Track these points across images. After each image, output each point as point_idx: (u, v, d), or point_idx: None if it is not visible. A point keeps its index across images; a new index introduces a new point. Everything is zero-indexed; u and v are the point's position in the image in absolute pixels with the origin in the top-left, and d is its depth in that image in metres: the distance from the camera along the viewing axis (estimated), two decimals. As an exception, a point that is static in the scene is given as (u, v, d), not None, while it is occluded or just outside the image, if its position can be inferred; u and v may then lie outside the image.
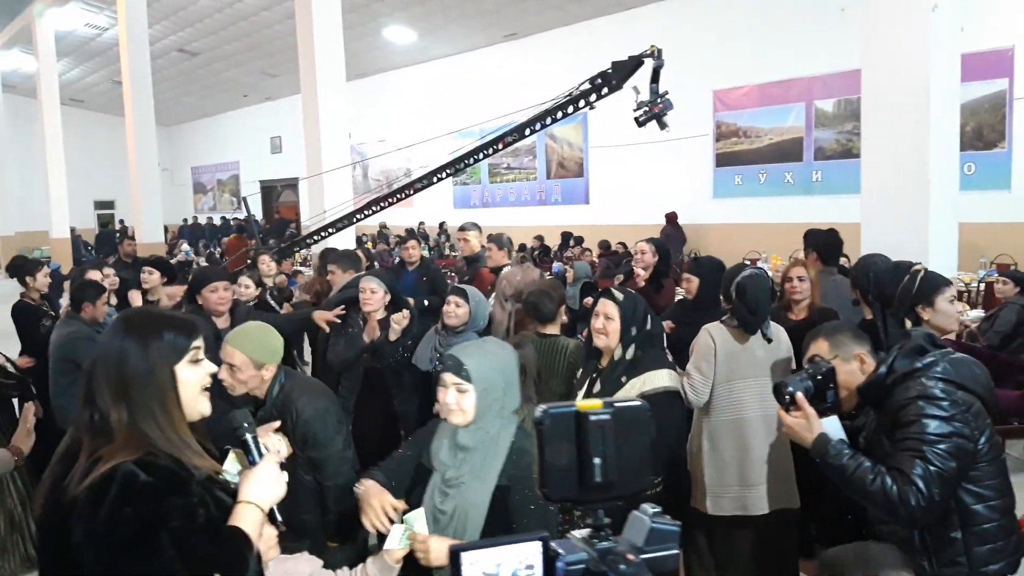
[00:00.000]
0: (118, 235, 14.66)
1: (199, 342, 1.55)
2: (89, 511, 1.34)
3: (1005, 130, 10.26)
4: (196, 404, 1.54)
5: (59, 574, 1.43)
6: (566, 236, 14.82)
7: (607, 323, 2.79)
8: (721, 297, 3.43)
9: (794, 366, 3.16)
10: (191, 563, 1.38)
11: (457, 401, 2.06)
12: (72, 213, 19.26)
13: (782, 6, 12.36)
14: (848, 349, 2.36)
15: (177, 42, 18.25)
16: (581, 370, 2.96)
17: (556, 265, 11.09)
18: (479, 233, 5.95)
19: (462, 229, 5.92)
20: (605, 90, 5.06)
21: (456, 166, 5.88)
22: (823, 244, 4.86)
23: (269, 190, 24.22)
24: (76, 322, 4.19)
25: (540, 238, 14.84)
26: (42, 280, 5.18)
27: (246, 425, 1.65)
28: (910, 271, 3.00)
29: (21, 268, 5.31)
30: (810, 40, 11.98)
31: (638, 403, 0.86)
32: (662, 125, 4.98)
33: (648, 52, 4.90)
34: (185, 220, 25.08)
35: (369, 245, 14.97)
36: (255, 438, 1.65)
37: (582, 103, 5.19)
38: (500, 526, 2.01)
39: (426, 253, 10.44)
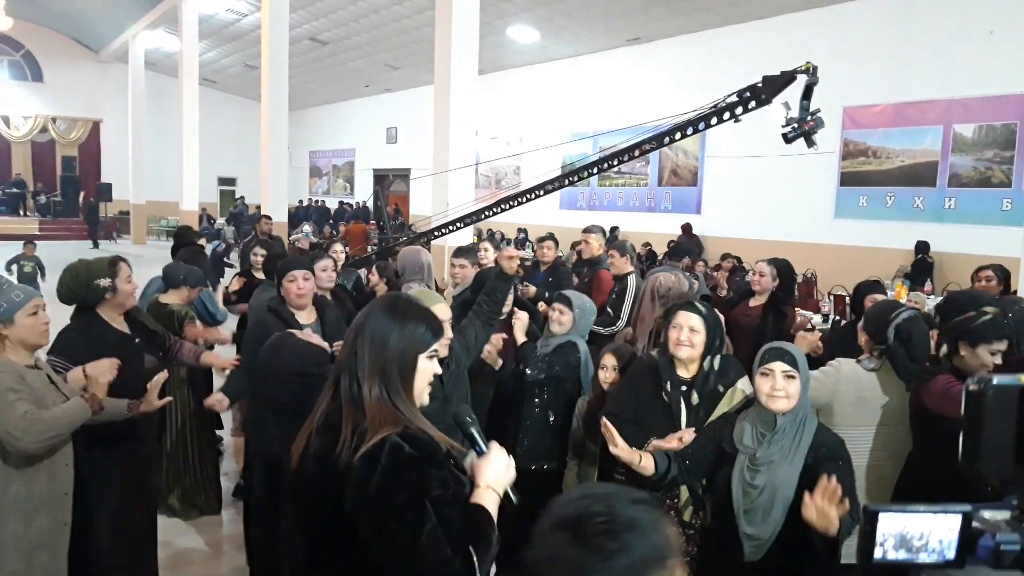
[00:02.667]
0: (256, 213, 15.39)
1: (438, 344, 1.67)
2: (363, 479, 1.47)
3: None
4: (422, 394, 1.66)
5: (330, 534, 1.56)
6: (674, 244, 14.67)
7: (692, 335, 2.77)
8: (866, 337, 3.08)
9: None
10: (447, 532, 1.48)
11: (785, 388, 2.32)
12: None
13: (924, 24, 11.83)
14: None
15: (310, 31, 19.00)
16: (668, 382, 2.84)
17: (667, 274, 10.96)
18: (602, 236, 6.05)
19: (585, 231, 6.06)
20: (753, 104, 4.98)
21: (589, 170, 5.91)
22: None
23: (380, 178, 24.90)
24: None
25: (647, 244, 14.74)
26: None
27: (469, 420, 1.75)
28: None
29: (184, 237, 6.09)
30: (953, 61, 11.43)
31: None
32: (810, 143, 4.88)
33: (803, 68, 4.80)
34: (301, 201, 26.11)
35: (474, 240, 15.17)
36: (479, 430, 1.74)
37: (727, 115, 5.13)
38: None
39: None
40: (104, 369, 2.81)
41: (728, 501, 2.41)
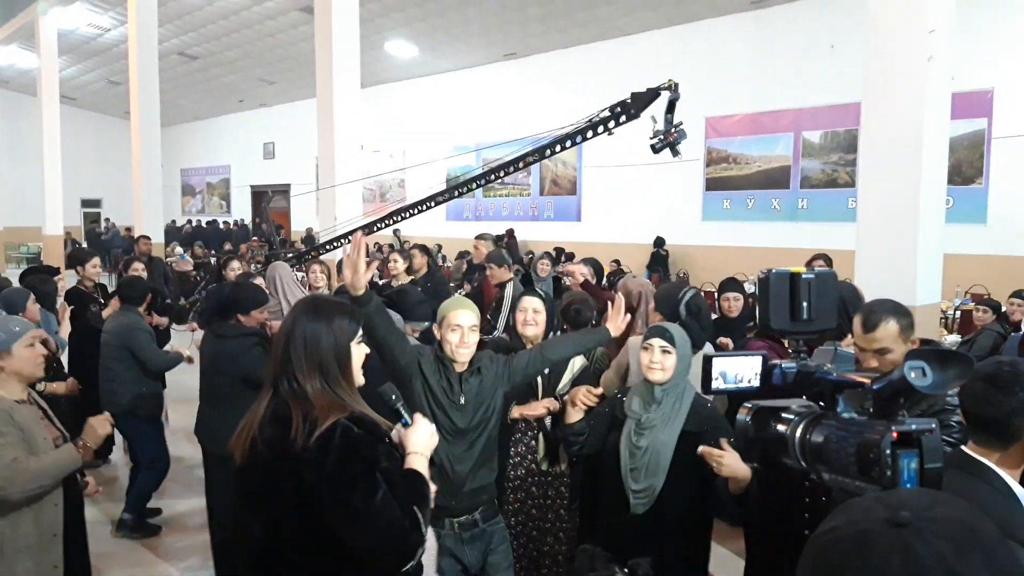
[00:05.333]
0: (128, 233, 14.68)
1: (361, 329, 1.89)
2: (321, 458, 1.69)
3: (983, 167, 10.82)
4: (358, 376, 1.89)
5: (287, 512, 1.74)
6: (558, 251, 15.22)
7: (535, 315, 3.27)
8: (660, 316, 3.60)
9: None
10: (395, 496, 1.73)
11: (662, 361, 2.62)
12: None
13: (775, 40, 12.89)
14: (909, 333, 2.44)
15: (179, 45, 18.45)
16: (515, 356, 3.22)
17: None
18: (492, 243, 6.45)
19: (477, 238, 6.49)
20: (624, 118, 5.41)
21: (477, 181, 6.20)
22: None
23: (259, 195, 24.36)
24: (132, 314, 4.49)
25: (530, 254, 15.23)
26: (91, 270, 5.59)
27: (394, 396, 1.98)
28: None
29: (75, 257, 5.91)
30: (801, 73, 12.52)
31: (830, 270, 1.25)
32: (675, 153, 5.35)
33: (666, 85, 5.26)
34: (173, 221, 25.12)
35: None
36: (404, 405, 1.98)
37: (601, 129, 5.54)
38: (686, 462, 2.52)
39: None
40: (103, 421, 2.73)
41: (617, 460, 2.71)
